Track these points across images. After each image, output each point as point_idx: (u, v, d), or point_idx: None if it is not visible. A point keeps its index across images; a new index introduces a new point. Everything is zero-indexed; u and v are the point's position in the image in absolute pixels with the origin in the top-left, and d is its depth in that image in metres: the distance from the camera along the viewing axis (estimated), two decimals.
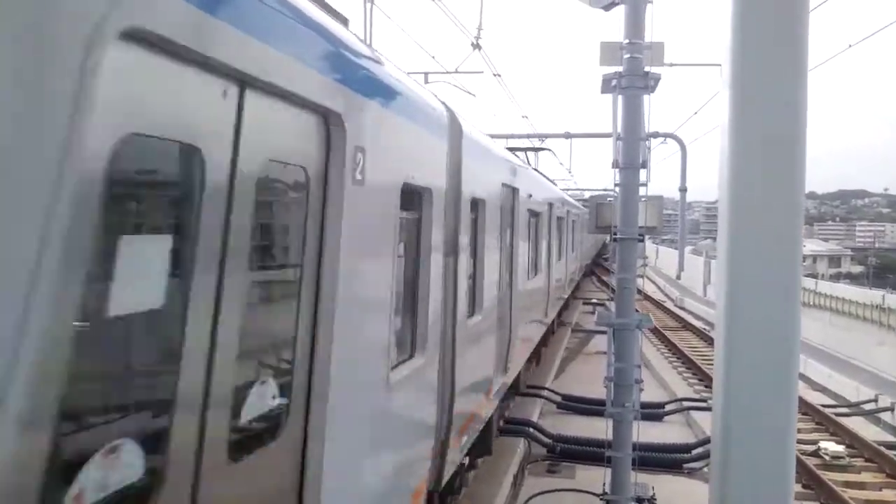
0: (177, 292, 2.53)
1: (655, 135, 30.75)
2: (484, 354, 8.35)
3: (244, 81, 2.79)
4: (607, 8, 7.89)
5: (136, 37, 2.13)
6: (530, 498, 10.45)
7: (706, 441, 12.41)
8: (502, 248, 9.44)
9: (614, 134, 7.74)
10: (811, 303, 30.50)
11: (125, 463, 2.30)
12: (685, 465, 12.33)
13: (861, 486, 11.95)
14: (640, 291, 8.09)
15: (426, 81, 18.96)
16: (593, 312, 24.50)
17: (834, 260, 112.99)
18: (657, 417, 15.45)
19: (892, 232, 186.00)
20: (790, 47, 3.97)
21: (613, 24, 8.27)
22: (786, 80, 3.96)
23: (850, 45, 15.10)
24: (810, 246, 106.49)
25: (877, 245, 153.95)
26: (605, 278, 44.18)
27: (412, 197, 5.35)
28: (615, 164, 7.75)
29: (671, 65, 20.32)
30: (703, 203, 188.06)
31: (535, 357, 16.77)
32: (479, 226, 7.80)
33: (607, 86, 7.89)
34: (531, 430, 12.85)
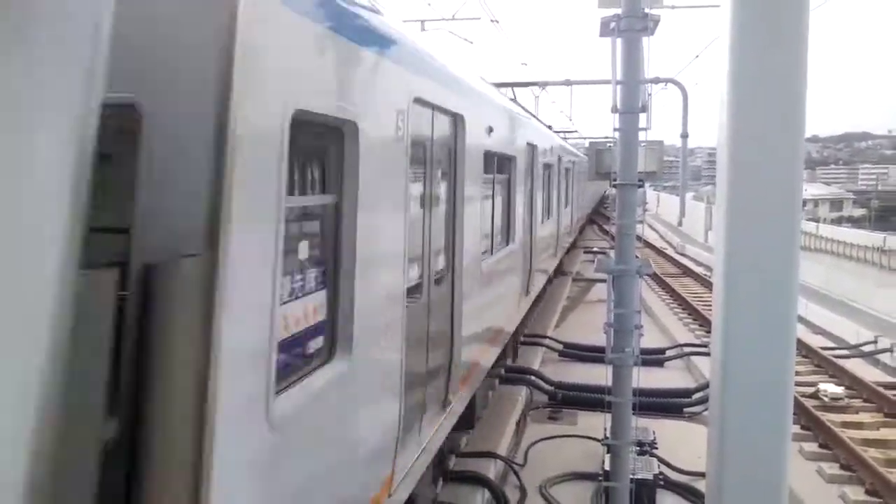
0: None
1: (656, 80, 30.34)
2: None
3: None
4: None
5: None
6: (532, 444, 10.61)
7: (706, 385, 12.53)
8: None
9: (613, 78, 7.62)
10: (812, 247, 30.50)
11: None
12: (686, 410, 12.47)
13: (859, 425, 12.11)
14: (640, 238, 8.06)
15: (422, 29, 18.65)
16: (594, 261, 24.55)
17: (836, 203, 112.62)
18: (658, 363, 15.59)
19: (895, 174, 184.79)
20: None
21: None
22: (786, 20, 3.87)
23: None
24: (812, 190, 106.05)
25: (879, 187, 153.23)
26: (606, 227, 44.13)
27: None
28: (614, 109, 7.64)
29: (672, 7, 19.96)
30: (706, 149, 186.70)
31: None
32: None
33: (606, 29, 7.73)
34: (533, 378, 12.97)
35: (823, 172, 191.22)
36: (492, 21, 19.37)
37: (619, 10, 7.54)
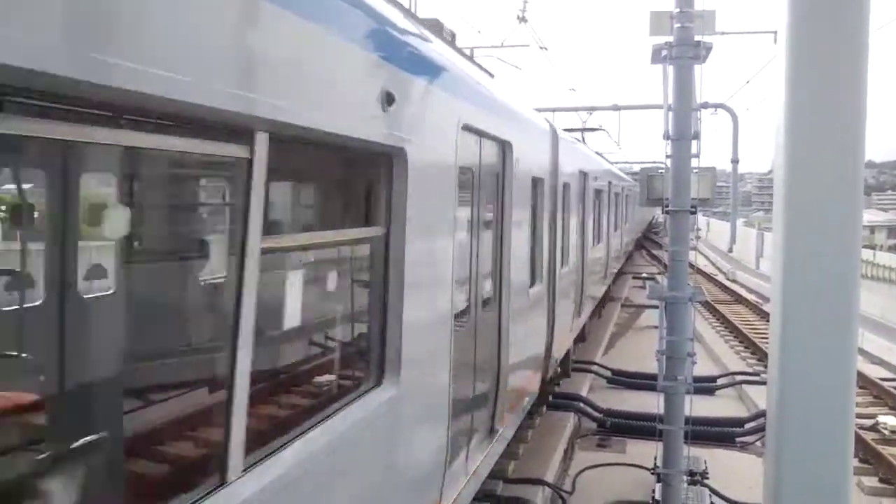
0: None
1: (705, 105, 30.12)
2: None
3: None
4: None
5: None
6: (581, 472, 10.49)
7: (759, 415, 12.26)
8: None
9: (665, 105, 7.62)
10: (869, 274, 29.64)
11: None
12: (738, 439, 12.21)
13: None
14: (691, 265, 7.97)
15: (472, 56, 18.88)
16: (643, 287, 24.30)
17: (893, 230, 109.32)
18: (709, 391, 15.29)
19: None
20: (851, 11, 3.86)
21: None
22: (846, 46, 3.85)
23: None
24: (868, 216, 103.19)
25: None
26: (655, 252, 43.62)
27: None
28: (666, 136, 7.63)
29: (722, 33, 19.86)
30: (756, 174, 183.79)
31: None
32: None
33: (657, 56, 7.76)
34: (581, 404, 12.85)
35: (880, 198, 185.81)
36: (540, 48, 19.53)
37: (670, 38, 7.57)
